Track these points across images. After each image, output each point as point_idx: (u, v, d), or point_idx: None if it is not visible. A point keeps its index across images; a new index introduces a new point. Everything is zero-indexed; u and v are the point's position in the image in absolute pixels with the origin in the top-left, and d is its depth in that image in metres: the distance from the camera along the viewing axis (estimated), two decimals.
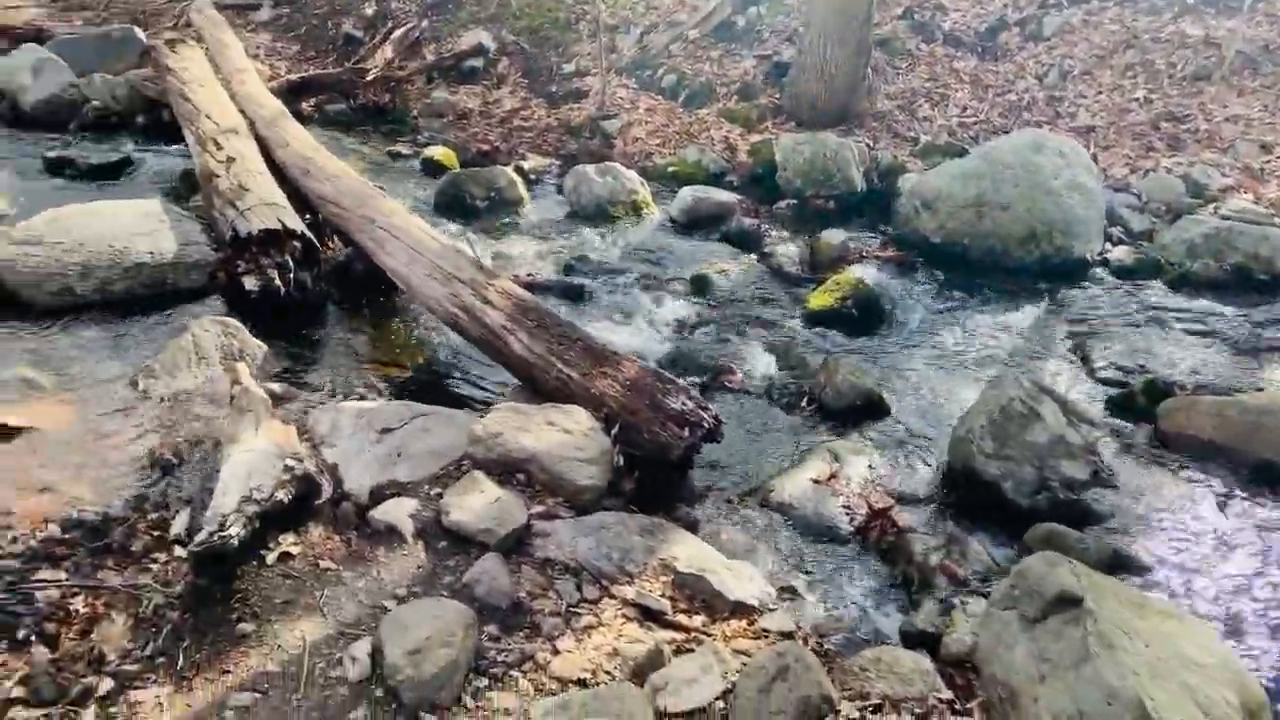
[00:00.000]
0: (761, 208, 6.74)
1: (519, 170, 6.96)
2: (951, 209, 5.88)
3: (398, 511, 3.03)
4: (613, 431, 3.45)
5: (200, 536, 2.68)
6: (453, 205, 6.45)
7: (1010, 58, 8.32)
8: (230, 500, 2.80)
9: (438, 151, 7.36)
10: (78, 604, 2.80)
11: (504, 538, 2.95)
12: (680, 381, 3.67)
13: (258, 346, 4.27)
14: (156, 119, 7.88)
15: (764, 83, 8.25)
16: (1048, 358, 4.84)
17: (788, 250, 5.92)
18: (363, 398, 4.00)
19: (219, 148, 5.66)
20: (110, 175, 6.95)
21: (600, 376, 3.64)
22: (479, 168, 7.02)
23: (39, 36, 9.20)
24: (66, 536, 3.10)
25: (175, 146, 7.52)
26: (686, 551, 3.07)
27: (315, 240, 4.82)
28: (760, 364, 4.68)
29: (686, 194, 6.58)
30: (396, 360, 4.51)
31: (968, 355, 4.79)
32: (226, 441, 3.25)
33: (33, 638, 2.65)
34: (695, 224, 6.47)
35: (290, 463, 2.84)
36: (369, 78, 8.18)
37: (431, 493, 3.22)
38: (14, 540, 3.07)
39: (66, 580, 2.88)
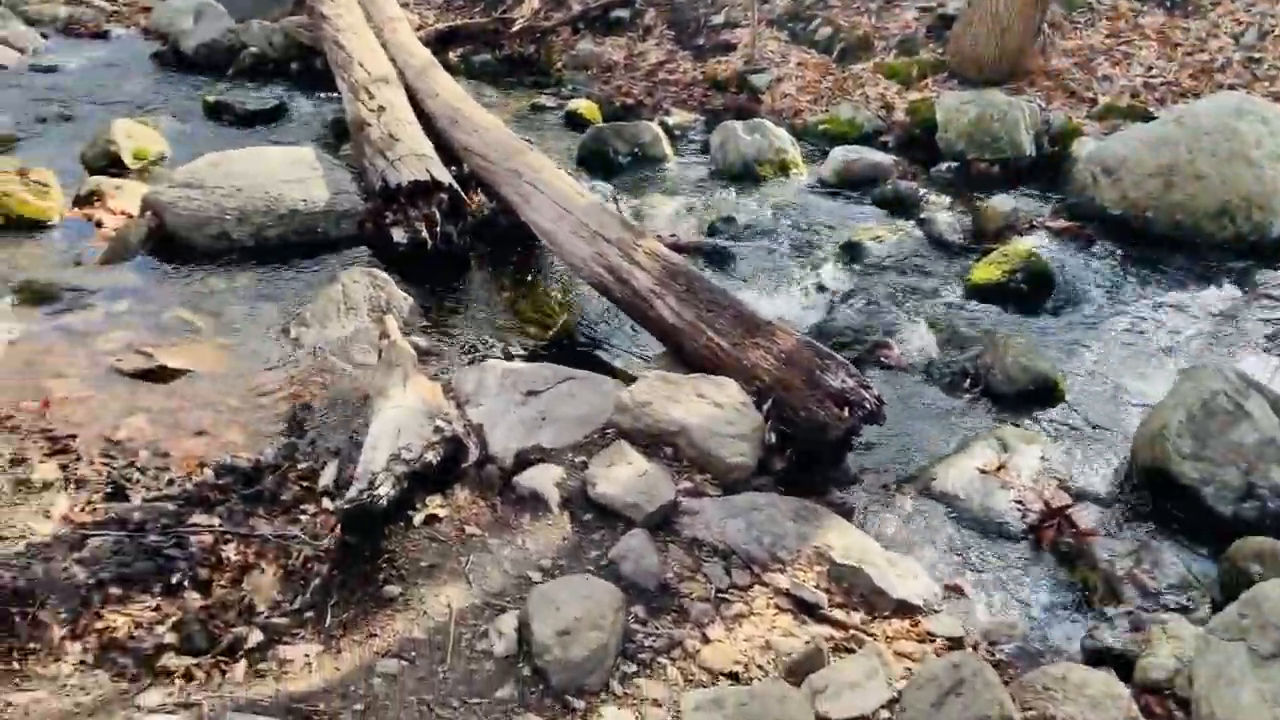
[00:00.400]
0: (919, 171, 6.35)
1: (663, 125, 6.76)
2: (1137, 178, 5.37)
3: (543, 479, 2.93)
4: (765, 407, 3.26)
5: (350, 493, 2.63)
6: (595, 160, 6.31)
7: (1202, 14, 7.57)
8: (380, 457, 2.74)
9: (581, 105, 7.22)
10: (229, 551, 2.81)
11: (651, 514, 2.81)
12: (839, 356, 3.43)
13: (404, 299, 4.24)
14: (309, 66, 8.00)
15: (926, 36, 7.77)
16: (1243, 346, 4.37)
17: (948, 217, 5.54)
18: (508, 357, 3.92)
19: (370, 96, 5.65)
20: (265, 121, 7.11)
21: (753, 347, 3.44)
22: (623, 122, 6.86)
23: None
24: (220, 482, 3.12)
25: (326, 93, 7.63)
26: (843, 540, 2.87)
27: (462, 193, 4.75)
28: (918, 339, 4.38)
29: (839, 154, 6.25)
30: (540, 319, 4.41)
31: (1152, 340, 4.37)
32: (375, 395, 3.21)
33: (185, 583, 2.67)
34: (847, 185, 6.14)
35: (440, 423, 2.76)
36: (515, 28, 8.09)
37: (576, 460, 3.11)
38: (170, 482, 3.12)
39: (220, 526, 2.90)
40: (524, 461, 3.11)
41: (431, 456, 2.69)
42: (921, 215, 5.63)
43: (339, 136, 6.67)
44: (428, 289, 4.51)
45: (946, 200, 5.88)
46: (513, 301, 4.57)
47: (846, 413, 3.21)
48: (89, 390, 3.54)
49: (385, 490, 2.59)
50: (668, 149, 6.48)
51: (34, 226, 5.05)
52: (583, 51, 8.06)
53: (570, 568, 2.67)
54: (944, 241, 5.36)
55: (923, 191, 5.93)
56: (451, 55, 7.99)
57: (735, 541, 2.80)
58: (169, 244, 4.63)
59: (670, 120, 6.91)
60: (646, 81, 7.66)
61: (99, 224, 5.16)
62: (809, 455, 3.30)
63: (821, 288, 4.92)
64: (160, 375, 3.66)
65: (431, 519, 2.72)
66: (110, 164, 6.01)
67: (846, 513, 3.14)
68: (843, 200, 6.00)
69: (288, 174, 4.95)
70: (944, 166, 6.36)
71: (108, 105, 7.19)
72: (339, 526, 2.67)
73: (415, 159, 4.77)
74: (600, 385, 3.46)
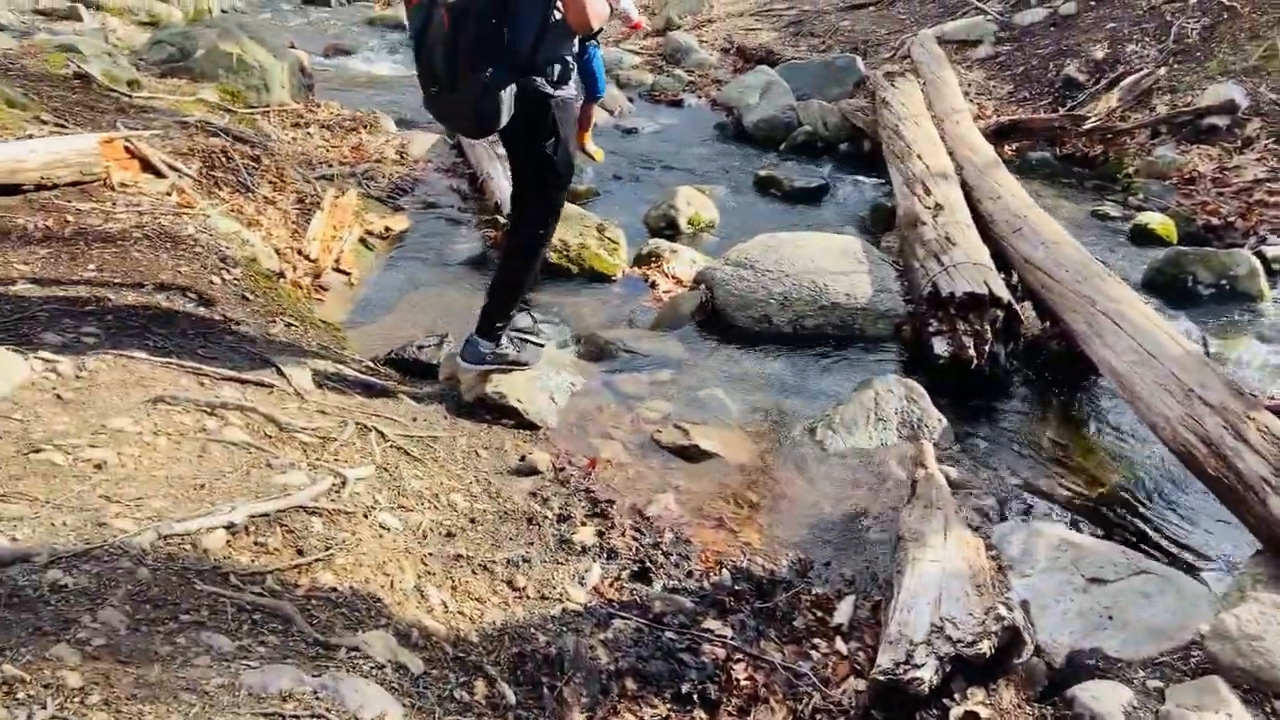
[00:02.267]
0: None
1: (1260, 256, 5.67)
2: None
3: (1110, 700, 2.40)
4: None
5: (883, 662, 2.35)
6: (1168, 287, 5.46)
7: None
8: (919, 624, 2.44)
9: (1153, 219, 6.35)
10: (739, 671, 2.68)
11: None
12: None
13: (938, 419, 3.91)
14: (858, 149, 8.07)
15: None
16: None
17: None
18: (1056, 516, 3.41)
19: (927, 192, 5.44)
20: (809, 200, 7.25)
21: None
22: (1205, 246, 5.90)
23: (769, 59, 10.08)
24: (735, 588, 3.04)
25: (870, 179, 7.62)
26: None
27: (1019, 312, 4.31)
28: None
29: None
30: (1088, 471, 3.81)
31: None
32: (909, 539, 2.91)
33: (695, 696, 2.58)
34: None
35: (1000, 609, 2.37)
36: (1085, 126, 7.40)
37: (1149, 686, 2.52)
38: (689, 574, 3.10)
39: (732, 639, 2.80)
40: (1078, 664, 2.60)
41: (985, 647, 2.31)
42: None
43: (879, 225, 6.57)
44: (962, 411, 4.13)
45: None
46: (1058, 445, 4.01)
47: None
48: (629, 457, 3.70)
49: (927, 673, 2.27)
50: (1264, 285, 5.41)
51: (600, 279, 5.56)
52: (1161, 158, 7.13)
53: None
54: None
55: None
56: (1007, 149, 7.52)
57: None
58: (714, 318, 4.79)
59: (1269, 252, 5.79)
60: (1238, 200, 6.54)
61: (653, 285, 5.54)
62: None
63: None
64: (691, 454, 3.72)
65: (971, 717, 2.34)
66: (667, 226, 6.49)
67: None
68: None
69: (834, 264, 4.89)
70: None
71: (672, 170, 7.85)
72: (867, 697, 2.40)
73: (973, 268, 4.43)
74: (1183, 588, 2.81)
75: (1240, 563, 3.19)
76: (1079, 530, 3.24)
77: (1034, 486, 3.66)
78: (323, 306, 4.95)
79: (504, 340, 3.85)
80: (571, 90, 3.39)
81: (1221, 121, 7.19)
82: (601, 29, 3.43)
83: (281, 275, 4.44)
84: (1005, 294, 4.28)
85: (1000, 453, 3.89)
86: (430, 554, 2.87)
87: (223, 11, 12.20)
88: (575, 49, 3.40)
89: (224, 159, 5.56)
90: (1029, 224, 4.96)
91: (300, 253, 5.19)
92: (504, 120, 3.26)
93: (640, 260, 5.86)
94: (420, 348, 4.51)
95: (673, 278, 5.63)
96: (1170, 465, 3.68)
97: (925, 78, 7.90)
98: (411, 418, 3.61)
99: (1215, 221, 6.36)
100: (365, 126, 7.58)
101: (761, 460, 3.77)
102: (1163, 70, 7.78)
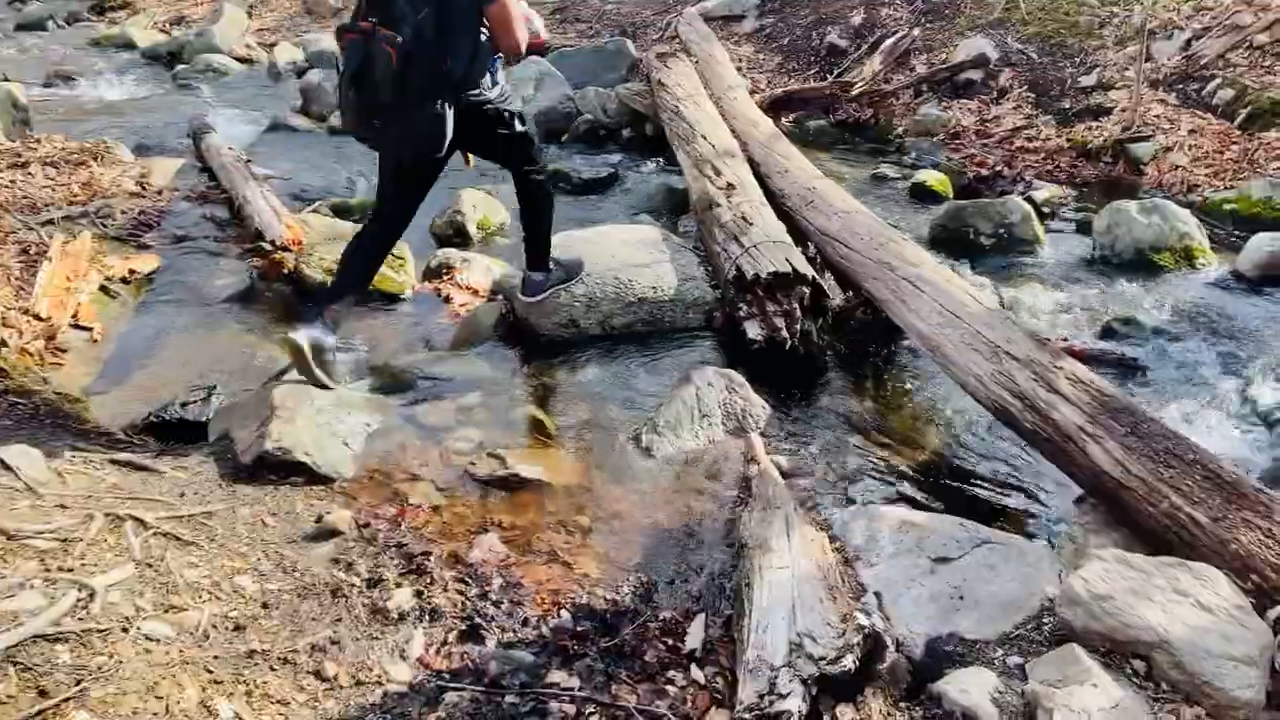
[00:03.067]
0: None
1: (1030, 201, 5.93)
2: None
3: (976, 692, 2.29)
4: (1273, 616, 2.43)
5: (746, 696, 2.14)
6: (952, 241, 5.61)
7: None
8: (777, 645, 2.24)
9: (929, 176, 6.55)
10: None
11: None
12: None
13: (761, 406, 3.77)
14: (640, 134, 7.94)
15: None
16: None
17: None
18: (889, 495, 3.33)
19: (717, 173, 5.33)
20: (599, 190, 7.04)
21: (1242, 525, 2.62)
22: (979, 197, 6.12)
23: (541, 49, 9.79)
24: (578, 629, 2.76)
25: (656, 162, 7.49)
26: None
27: (823, 287, 4.24)
28: None
29: (1262, 241, 5.15)
30: (914, 440, 3.79)
31: None
32: (752, 546, 2.73)
33: None
34: (1272, 281, 5.04)
35: (860, 616, 2.21)
36: (853, 92, 7.57)
37: (1009, 663, 2.44)
38: (524, 623, 2.79)
39: (580, 690, 2.52)
40: (937, 654, 2.49)
41: (849, 662, 2.13)
42: None
43: (672, 209, 6.44)
44: (782, 394, 4.02)
45: None
46: (877, 414, 3.97)
47: None
48: (442, 497, 3.34)
49: (794, 703, 2.07)
50: (1038, 230, 5.65)
51: (389, 300, 5.12)
52: (927, 116, 7.39)
53: None
54: None
55: None
56: (784, 121, 7.59)
57: None
58: (517, 330, 4.47)
59: (1038, 196, 6.08)
60: (1001, 149, 6.86)
61: (447, 299, 5.16)
62: None
63: (1265, 417, 3.93)
64: (511, 483, 3.40)
65: None
66: (456, 234, 6.10)
67: None
68: (1271, 300, 4.90)
69: (635, 257, 4.68)
70: None
71: (452, 172, 7.35)
72: None
73: (774, 246, 4.33)
74: (1025, 555, 2.77)
75: (1069, 513, 3.22)
76: (918, 508, 3.16)
77: (866, 465, 3.58)
78: (62, 372, 4.27)
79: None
80: (503, 84, 3.77)
81: (976, 75, 7.53)
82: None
83: (3, 344, 3.75)
84: (808, 269, 4.20)
85: (827, 433, 3.80)
86: (216, 658, 2.43)
87: None
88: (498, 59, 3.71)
89: None
90: (819, 195, 4.93)
91: (28, 312, 4.46)
92: (449, 136, 3.53)
93: (430, 274, 5.45)
94: (185, 405, 3.96)
95: (468, 289, 5.26)
96: (987, 423, 3.69)
97: (697, 56, 7.85)
98: (179, 493, 3.11)
99: (984, 172, 6.64)
100: (96, 158, 6.73)
101: (588, 479, 3.49)
102: (917, 31, 8.08)
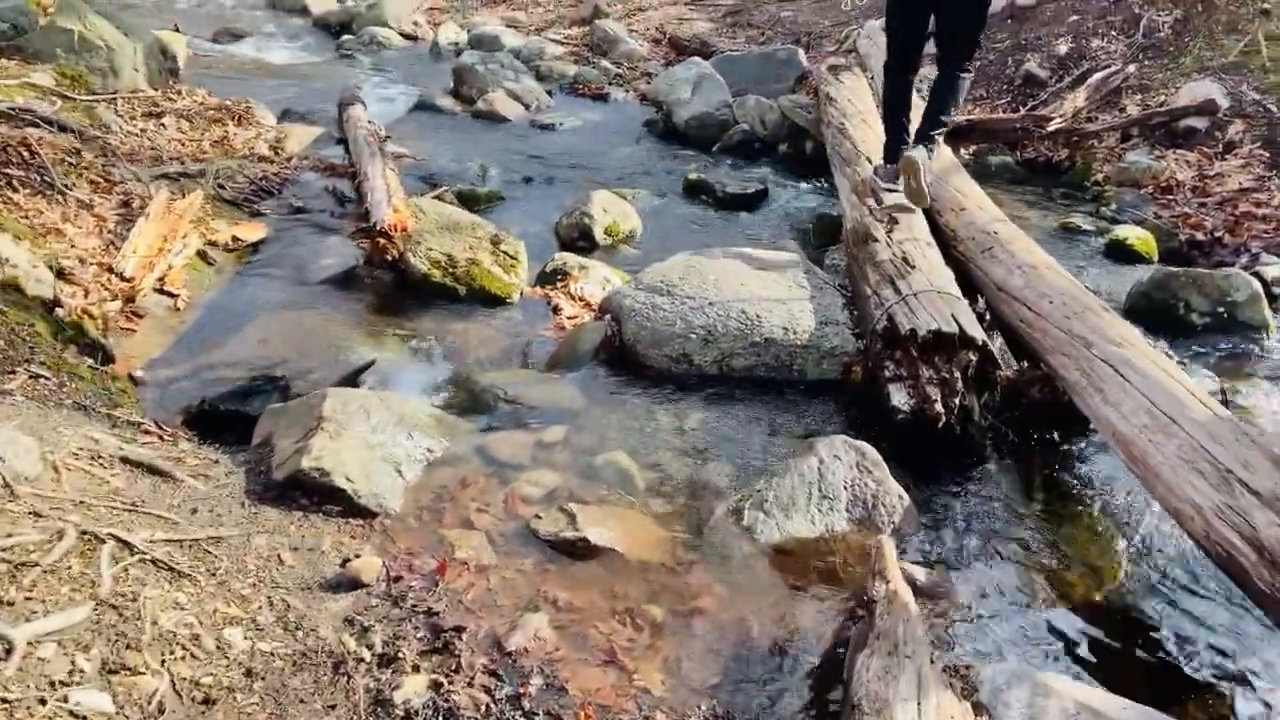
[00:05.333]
0: None
1: (1259, 278, 4.92)
2: None
3: None
4: None
5: None
6: (1155, 314, 4.67)
7: None
8: None
9: (1131, 233, 5.59)
10: None
11: None
12: None
13: (898, 496, 3.04)
14: (798, 150, 7.25)
15: None
16: None
17: None
18: (1055, 651, 2.55)
19: (880, 203, 4.58)
20: (745, 207, 6.39)
21: None
22: (1189, 264, 5.15)
23: (704, 51, 9.22)
24: None
25: (813, 184, 6.80)
26: None
27: (995, 356, 3.46)
28: None
29: None
30: (1093, 575, 2.94)
31: None
32: (869, 708, 2.03)
33: None
34: None
35: None
36: (1049, 128, 6.64)
37: None
38: None
39: None
40: None
41: None
42: None
43: (823, 238, 5.73)
44: (926, 482, 3.27)
45: None
46: (1049, 533, 3.13)
47: None
48: (494, 555, 2.77)
49: None
50: (1267, 314, 4.65)
51: (493, 302, 4.64)
52: (1134, 164, 6.39)
53: None
54: None
55: None
56: (963, 152, 6.74)
57: None
58: (622, 356, 3.88)
59: (1268, 273, 5.05)
60: (1224, 212, 5.83)
61: (555, 309, 4.63)
62: None
63: None
64: (578, 549, 2.80)
65: None
66: (581, 237, 5.60)
67: None
68: None
69: (768, 290, 4.01)
70: None
71: (592, 171, 6.94)
72: None
73: (937, 298, 3.59)
74: None
75: None
76: (1095, 681, 2.37)
77: (1028, 602, 2.79)
78: (130, 340, 3.94)
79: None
80: None
81: (1200, 124, 6.47)
82: None
83: (55, 304, 3.41)
84: (978, 333, 3.43)
85: (979, 546, 3.02)
86: None
87: None
88: None
89: (24, 154, 4.50)
90: (1001, 242, 4.13)
91: (112, 270, 4.16)
92: None
93: (544, 279, 4.94)
94: (245, 395, 3.54)
95: (580, 300, 4.72)
96: (1203, 569, 2.85)
97: (873, 72, 7.08)
98: (191, 509, 2.65)
99: (1200, 237, 5.63)
100: (235, 118, 6.54)
101: (671, 555, 2.86)
102: (1132, 67, 7.07)
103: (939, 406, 3.28)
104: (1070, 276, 3.76)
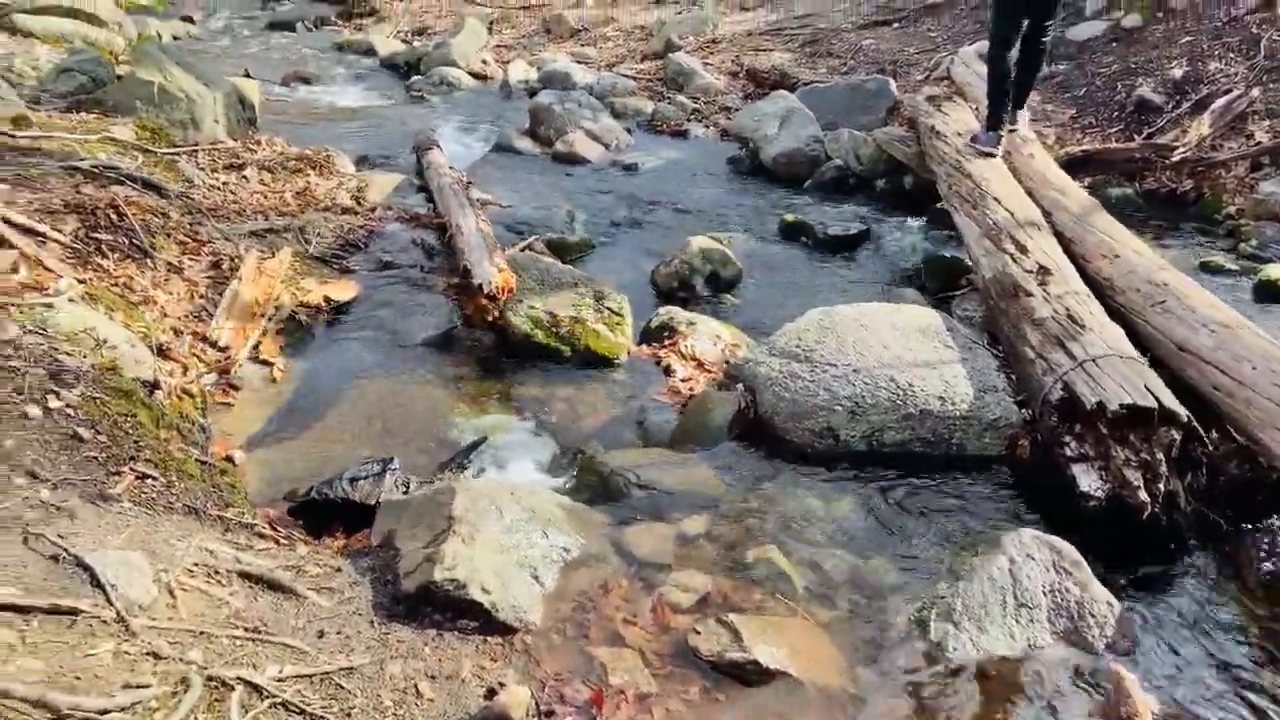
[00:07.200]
0: None
1: None
2: None
3: None
4: None
5: None
6: None
7: None
8: None
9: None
10: None
11: None
12: None
13: (1107, 604, 2.64)
14: (897, 186, 6.87)
15: None
16: None
17: None
18: None
19: (1021, 250, 4.20)
20: (847, 249, 6.03)
21: None
22: None
23: (785, 83, 8.90)
24: None
25: (915, 221, 6.41)
26: None
27: (1200, 432, 3.05)
28: None
29: None
30: None
31: None
32: None
33: None
34: None
35: None
36: (1173, 158, 6.20)
37: None
38: None
39: None
40: None
41: None
42: None
43: (937, 280, 5.33)
44: (1129, 581, 2.86)
45: None
46: (1256, 632, 2.72)
47: None
48: (653, 680, 2.42)
49: None
50: None
51: (600, 363, 4.34)
52: (1271, 196, 5.91)
53: None
54: None
55: None
56: (1078, 185, 6.30)
57: None
58: (757, 430, 3.53)
59: None
60: None
61: (667, 370, 4.31)
62: None
63: None
64: (747, 674, 2.45)
65: None
66: (681, 287, 5.30)
67: None
68: None
69: (913, 352, 3.64)
70: None
71: (680, 213, 6.64)
72: None
73: (1122, 364, 3.19)
74: None
75: None
76: None
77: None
78: (229, 415, 3.69)
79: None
80: None
81: None
82: None
83: (155, 386, 3.16)
84: (1179, 407, 3.02)
85: (1205, 660, 2.60)
86: None
87: (174, 39, 11.04)
88: None
89: (112, 216, 4.30)
90: (1174, 294, 3.71)
91: (205, 339, 3.93)
92: None
93: (649, 335, 4.63)
94: (353, 480, 3.26)
95: (693, 360, 4.39)
96: None
97: (976, 102, 6.71)
98: (317, 630, 2.34)
99: None
100: (315, 167, 6.35)
101: (852, 680, 2.48)
102: (1256, 91, 6.59)
103: (1143, 494, 2.87)
104: (1270, 338, 3.33)
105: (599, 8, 12.04)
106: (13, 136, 5.10)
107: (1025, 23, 5.42)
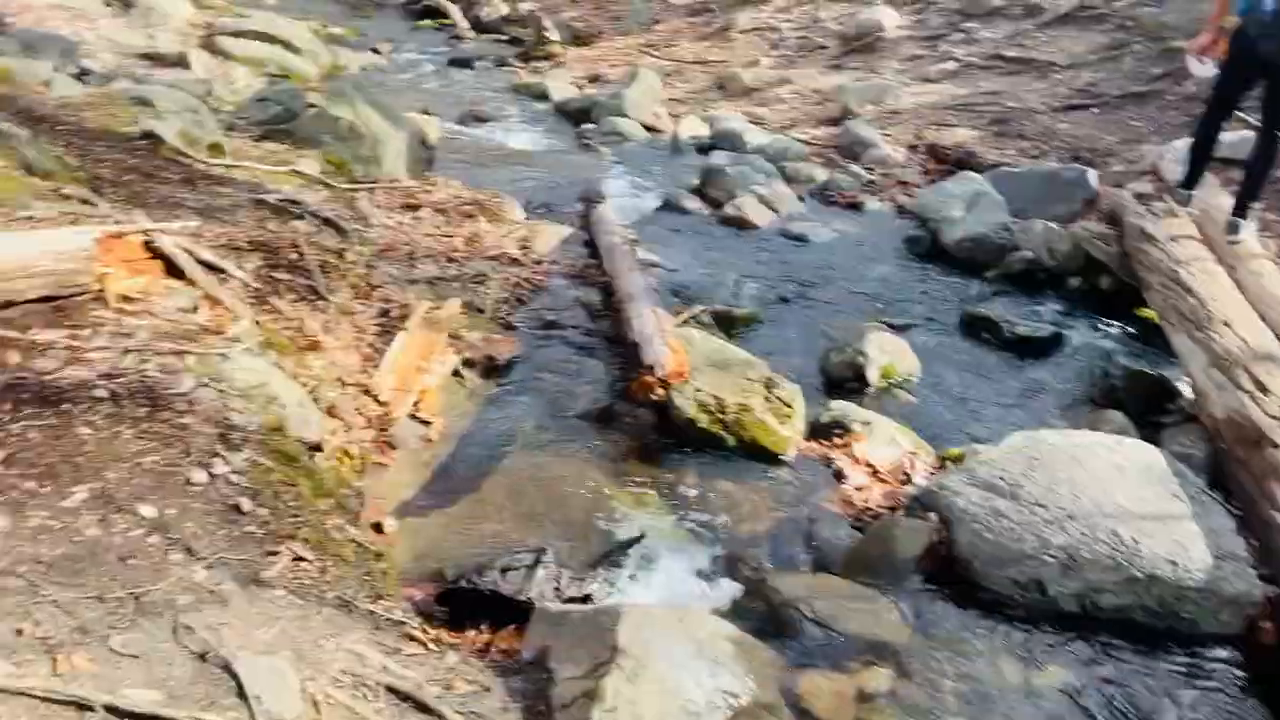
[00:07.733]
0: None
1: None
2: None
3: None
4: None
5: None
6: None
7: None
8: None
9: None
10: None
11: None
12: None
13: None
14: (1093, 286, 6.31)
15: None
16: None
17: None
18: None
19: (1262, 389, 3.68)
20: (1037, 352, 5.53)
21: None
22: None
23: (969, 162, 8.44)
24: None
25: (1112, 326, 5.87)
26: None
27: None
28: None
29: None
30: None
31: None
32: None
33: None
34: None
35: None
36: None
37: None
38: None
39: None
40: None
41: None
42: None
43: (1140, 401, 4.78)
44: None
45: None
46: None
47: None
48: None
49: None
50: None
51: (764, 456, 4.05)
52: None
53: None
54: None
55: None
56: None
57: None
58: (950, 569, 3.14)
59: None
60: None
61: (838, 475, 3.97)
62: None
63: None
64: None
65: None
66: (854, 377, 4.93)
67: None
68: None
69: (1138, 501, 3.18)
70: None
71: (853, 293, 6.28)
72: None
73: None
74: None
75: None
76: None
77: None
78: (384, 477, 3.56)
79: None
80: None
81: None
82: None
83: (317, 448, 3.04)
84: None
85: None
86: None
87: (361, 69, 11.44)
88: None
89: (293, 254, 4.30)
90: None
91: (368, 392, 3.83)
92: None
93: (819, 431, 4.30)
94: (504, 571, 3.06)
95: (866, 465, 4.04)
96: None
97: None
98: None
99: None
100: (486, 212, 6.30)
101: None
102: None
103: None
104: None
105: (775, 68, 11.82)
106: (205, 164, 5.24)
107: (1259, 87, 4.77)
